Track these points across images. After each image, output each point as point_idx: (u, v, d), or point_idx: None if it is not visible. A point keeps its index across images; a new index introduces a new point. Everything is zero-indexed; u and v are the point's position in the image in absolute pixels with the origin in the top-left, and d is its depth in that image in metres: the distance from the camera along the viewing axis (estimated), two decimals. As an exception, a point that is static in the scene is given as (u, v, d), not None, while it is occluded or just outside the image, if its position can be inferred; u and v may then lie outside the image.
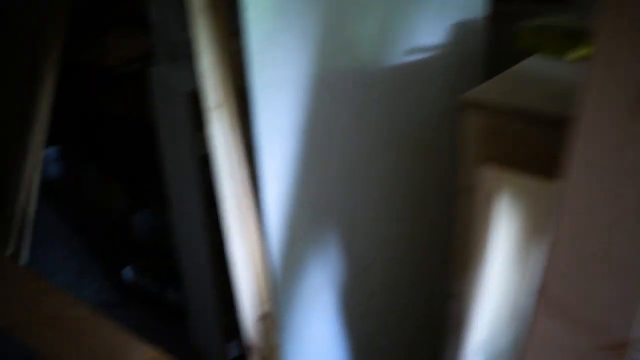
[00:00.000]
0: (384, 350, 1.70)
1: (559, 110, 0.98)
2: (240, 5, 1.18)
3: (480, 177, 1.06)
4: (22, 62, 2.24)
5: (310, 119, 1.36)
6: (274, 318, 1.48)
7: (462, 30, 1.49)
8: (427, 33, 1.46)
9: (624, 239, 0.70)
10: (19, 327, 1.44)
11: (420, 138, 1.56)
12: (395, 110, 1.49)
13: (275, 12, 1.19)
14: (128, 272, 2.35)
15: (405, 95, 1.48)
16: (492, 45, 1.55)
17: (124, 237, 2.44)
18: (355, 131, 1.44)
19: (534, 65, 1.21)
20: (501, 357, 1.72)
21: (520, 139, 1.03)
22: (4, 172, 2.25)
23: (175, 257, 2.00)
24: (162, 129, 1.74)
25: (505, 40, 1.34)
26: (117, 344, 1.43)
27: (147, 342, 1.32)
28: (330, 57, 1.34)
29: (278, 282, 1.45)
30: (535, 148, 1.00)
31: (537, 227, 1.69)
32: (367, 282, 1.60)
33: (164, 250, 2.19)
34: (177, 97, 1.55)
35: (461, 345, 1.33)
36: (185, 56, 1.55)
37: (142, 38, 2.10)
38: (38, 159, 2.16)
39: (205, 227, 1.65)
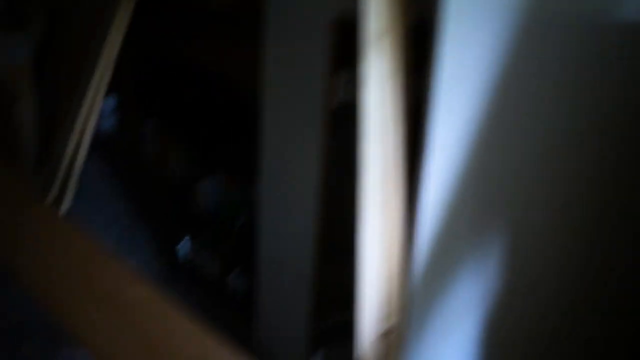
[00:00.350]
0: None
1: None
2: None
3: None
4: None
5: (506, 72, 0.98)
6: (401, 336, 1.15)
7: None
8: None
9: None
10: (59, 303, 1.10)
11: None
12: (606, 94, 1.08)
13: None
14: (183, 246, 2.07)
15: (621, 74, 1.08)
16: None
17: (182, 206, 2.16)
18: (557, 108, 1.07)
19: None
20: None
21: None
22: (57, 115, 2.02)
23: (247, 237, 1.72)
24: (273, 70, 1.33)
25: None
26: (192, 345, 1.08)
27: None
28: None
29: (416, 292, 1.12)
30: None
31: None
32: (529, 305, 1.21)
33: (231, 226, 1.95)
34: (310, 24, 1.16)
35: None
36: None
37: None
38: (95, 106, 1.94)
39: (318, 203, 1.28)
